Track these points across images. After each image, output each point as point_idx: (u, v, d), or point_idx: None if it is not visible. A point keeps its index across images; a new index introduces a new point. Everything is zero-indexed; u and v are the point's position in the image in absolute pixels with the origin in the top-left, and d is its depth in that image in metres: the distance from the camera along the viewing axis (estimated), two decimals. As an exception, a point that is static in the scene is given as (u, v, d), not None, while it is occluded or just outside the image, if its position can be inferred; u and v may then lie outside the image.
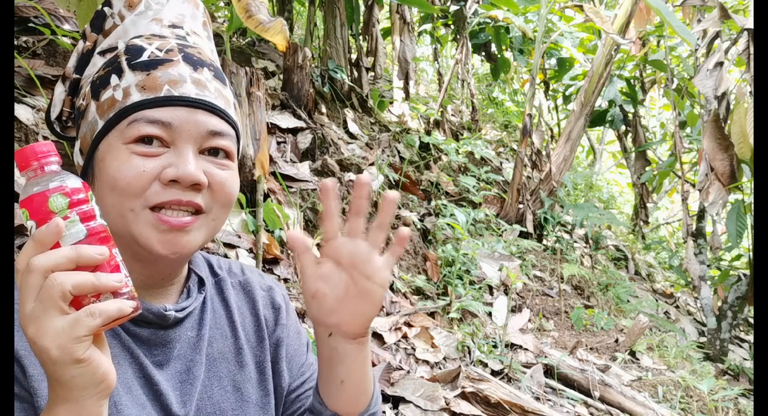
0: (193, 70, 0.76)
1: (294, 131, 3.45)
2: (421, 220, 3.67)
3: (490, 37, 5.94)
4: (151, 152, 0.72)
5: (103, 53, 0.80)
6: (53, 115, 0.82)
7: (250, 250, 2.35)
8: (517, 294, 3.80)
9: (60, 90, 0.82)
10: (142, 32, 0.79)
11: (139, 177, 0.71)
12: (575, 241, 5.49)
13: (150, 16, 0.81)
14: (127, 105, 0.73)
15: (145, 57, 0.75)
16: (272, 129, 3.33)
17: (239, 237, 2.37)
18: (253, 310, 0.94)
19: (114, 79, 0.75)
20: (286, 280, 2.44)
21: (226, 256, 2.21)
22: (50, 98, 0.84)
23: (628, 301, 4.59)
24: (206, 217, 0.76)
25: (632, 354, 3.51)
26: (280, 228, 2.52)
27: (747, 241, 4.47)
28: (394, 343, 2.47)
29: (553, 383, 2.76)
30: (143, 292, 0.80)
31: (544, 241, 4.95)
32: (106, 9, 0.83)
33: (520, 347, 3.00)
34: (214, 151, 0.77)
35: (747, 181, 3.96)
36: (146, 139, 0.73)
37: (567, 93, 6.54)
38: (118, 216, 0.73)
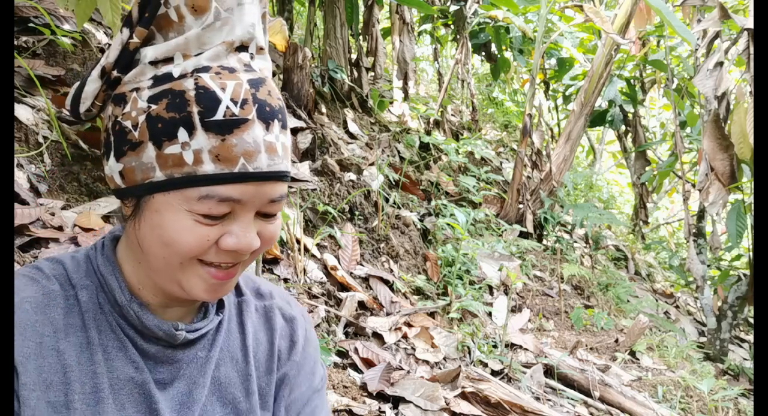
0: (266, 129, 0.70)
1: (294, 131, 3.45)
2: (421, 220, 3.67)
3: (490, 37, 5.94)
4: (215, 223, 0.71)
5: (156, 64, 0.71)
6: (82, 109, 0.75)
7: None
8: (517, 294, 3.80)
9: (95, 86, 0.73)
10: (209, 57, 0.70)
11: (201, 244, 0.70)
12: (575, 241, 5.49)
13: (218, 33, 0.71)
14: (198, 174, 0.68)
15: (220, 115, 0.67)
16: (272, 129, 3.32)
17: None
18: (270, 339, 0.90)
19: (183, 134, 0.67)
20: (286, 280, 2.44)
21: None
22: (74, 89, 0.75)
23: (628, 301, 4.59)
24: (246, 261, 0.77)
25: (632, 354, 3.51)
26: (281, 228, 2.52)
27: (747, 241, 4.47)
28: (394, 343, 2.47)
29: (553, 383, 2.76)
30: (158, 308, 0.79)
31: (544, 241, 4.95)
32: (160, 1, 0.71)
33: (520, 347, 3.00)
34: (268, 214, 0.76)
35: (747, 181, 3.95)
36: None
37: (567, 93, 6.54)
38: (164, 263, 0.72)
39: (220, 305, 0.86)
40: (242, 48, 0.73)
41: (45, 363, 0.71)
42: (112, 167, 0.72)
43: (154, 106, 0.68)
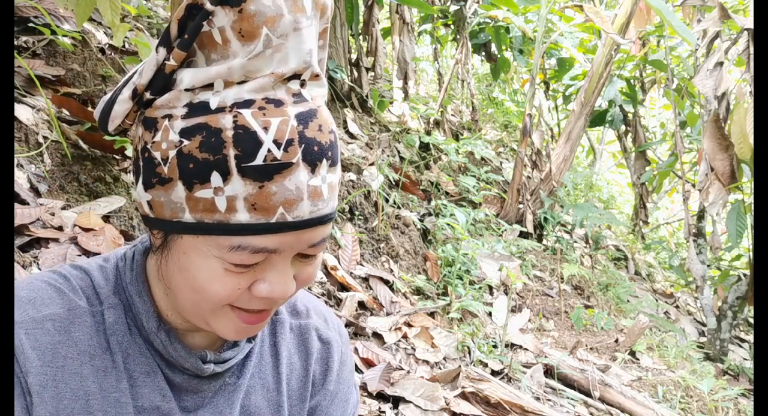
0: (311, 172, 0.62)
1: (294, 131, 3.44)
2: (421, 220, 3.67)
3: (490, 37, 5.94)
4: (247, 270, 0.65)
5: (193, 90, 0.62)
6: (111, 127, 0.68)
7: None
8: (517, 294, 3.80)
9: (126, 107, 0.65)
10: (254, 89, 0.61)
11: (232, 294, 0.65)
12: (575, 241, 5.49)
13: (268, 62, 0.62)
14: (231, 223, 0.61)
15: (260, 160, 0.59)
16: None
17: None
18: (304, 364, 0.84)
19: (216, 178, 0.60)
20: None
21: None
22: (103, 104, 0.68)
23: (628, 301, 4.59)
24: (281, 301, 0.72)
25: (632, 354, 3.51)
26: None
27: (747, 241, 4.47)
28: (394, 343, 2.47)
29: (553, 383, 2.76)
30: (186, 333, 0.75)
31: (544, 241, 4.95)
32: (202, 21, 0.61)
33: (520, 347, 3.00)
34: (308, 255, 0.69)
35: (747, 181, 3.95)
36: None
37: (567, 93, 6.54)
38: (193, 307, 0.68)
39: None
40: (294, 77, 0.64)
41: (67, 389, 0.66)
42: (140, 194, 0.66)
43: (186, 142, 0.61)
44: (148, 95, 0.64)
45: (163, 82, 0.63)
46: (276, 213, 0.61)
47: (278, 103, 0.62)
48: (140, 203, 0.67)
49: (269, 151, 0.60)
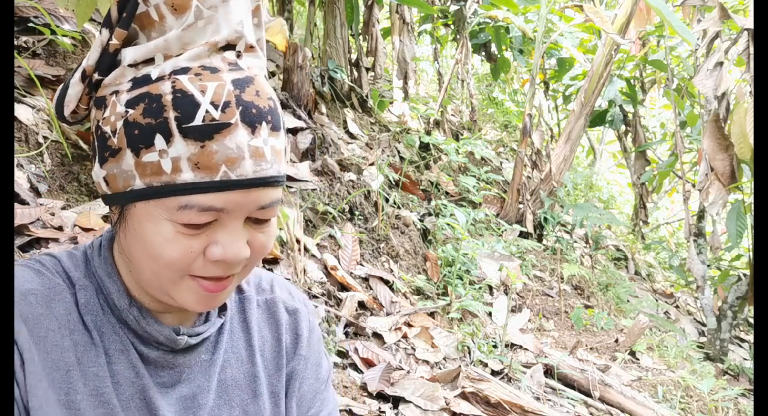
0: (251, 133, 0.65)
1: (294, 131, 3.44)
2: (421, 220, 3.67)
3: (490, 37, 5.94)
4: (198, 232, 0.67)
5: (136, 66, 0.67)
6: (66, 112, 0.72)
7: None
8: (517, 294, 3.80)
9: (78, 89, 0.70)
10: (190, 57, 0.66)
11: (185, 256, 0.67)
12: (575, 241, 5.49)
13: (201, 33, 0.67)
14: (176, 183, 0.64)
15: (198, 120, 0.63)
16: (272, 129, 3.32)
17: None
18: (275, 334, 0.88)
19: (159, 141, 0.64)
20: (286, 280, 2.44)
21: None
22: (59, 91, 0.72)
23: (628, 301, 4.59)
24: (241, 272, 0.74)
25: (632, 354, 3.51)
26: (280, 229, 2.52)
27: (747, 241, 4.47)
28: (394, 343, 2.47)
29: (553, 383, 2.76)
30: (157, 313, 0.77)
31: (544, 241, 4.95)
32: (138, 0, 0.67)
33: (520, 347, 3.00)
34: (260, 220, 0.71)
35: (747, 181, 3.95)
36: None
37: (567, 93, 6.54)
38: (154, 277, 0.70)
39: (223, 306, 0.83)
40: (228, 47, 0.68)
41: (48, 359, 0.68)
42: (97, 173, 0.70)
43: (131, 111, 0.65)
44: (96, 76, 0.68)
45: (108, 61, 0.68)
46: (219, 171, 0.64)
47: (214, 70, 0.66)
48: (98, 183, 0.70)
49: (207, 112, 0.64)
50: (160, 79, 0.65)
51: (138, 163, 0.65)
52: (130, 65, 0.67)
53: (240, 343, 0.84)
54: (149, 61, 0.67)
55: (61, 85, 0.72)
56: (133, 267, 0.72)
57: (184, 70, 0.65)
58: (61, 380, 0.69)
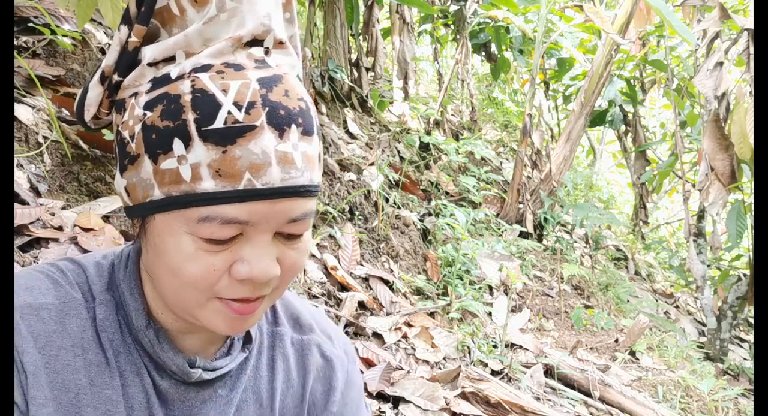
0: (279, 136, 0.59)
1: (294, 131, 3.44)
2: (421, 220, 3.67)
3: (490, 37, 5.94)
4: (222, 248, 0.61)
5: (155, 64, 0.61)
6: (87, 117, 0.67)
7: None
8: (517, 294, 3.80)
9: (97, 92, 0.65)
10: (212, 54, 0.60)
11: (207, 275, 0.61)
12: (575, 241, 5.49)
13: (225, 27, 0.61)
14: (196, 192, 0.58)
15: (220, 122, 0.57)
16: (272, 129, 3.32)
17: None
18: (302, 381, 0.79)
19: (178, 146, 0.58)
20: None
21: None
22: (79, 95, 0.67)
23: (628, 301, 4.59)
24: (272, 294, 0.67)
25: (632, 354, 3.51)
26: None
27: (747, 241, 4.47)
28: (394, 343, 2.47)
29: (553, 383, 2.76)
30: (178, 335, 0.71)
31: (544, 241, 4.95)
32: None
33: (520, 347, 3.00)
34: (291, 235, 0.64)
35: (747, 181, 3.95)
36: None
37: (567, 93, 6.54)
38: (176, 296, 0.64)
39: (248, 337, 0.76)
40: (255, 42, 0.62)
41: (58, 380, 0.64)
42: (118, 183, 0.64)
43: (149, 114, 0.59)
44: (116, 77, 0.63)
45: (128, 61, 0.62)
46: (243, 180, 0.57)
47: (238, 67, 0.60)
48: (120, 193, 0.65)
49: (229, 113, 0.57)
50: (180, 78, 0.60)
51: (156, 171, 0.59)
52: (150, 64, 0.61)
53: (262, 384, 0.77)
54: (170, 59, 0.61)
55: (82, 88, 0.68)
56: (157, 285, 0.67)
57: (205, 68, 0.59)
58: (69, 403, 0.64)
